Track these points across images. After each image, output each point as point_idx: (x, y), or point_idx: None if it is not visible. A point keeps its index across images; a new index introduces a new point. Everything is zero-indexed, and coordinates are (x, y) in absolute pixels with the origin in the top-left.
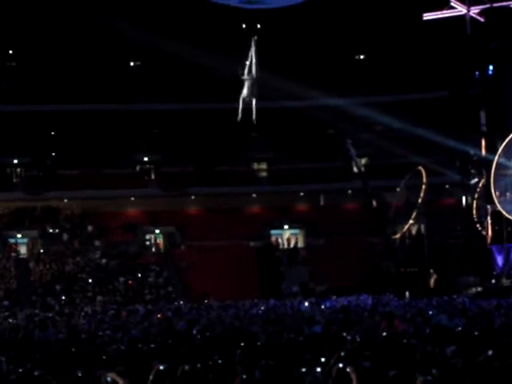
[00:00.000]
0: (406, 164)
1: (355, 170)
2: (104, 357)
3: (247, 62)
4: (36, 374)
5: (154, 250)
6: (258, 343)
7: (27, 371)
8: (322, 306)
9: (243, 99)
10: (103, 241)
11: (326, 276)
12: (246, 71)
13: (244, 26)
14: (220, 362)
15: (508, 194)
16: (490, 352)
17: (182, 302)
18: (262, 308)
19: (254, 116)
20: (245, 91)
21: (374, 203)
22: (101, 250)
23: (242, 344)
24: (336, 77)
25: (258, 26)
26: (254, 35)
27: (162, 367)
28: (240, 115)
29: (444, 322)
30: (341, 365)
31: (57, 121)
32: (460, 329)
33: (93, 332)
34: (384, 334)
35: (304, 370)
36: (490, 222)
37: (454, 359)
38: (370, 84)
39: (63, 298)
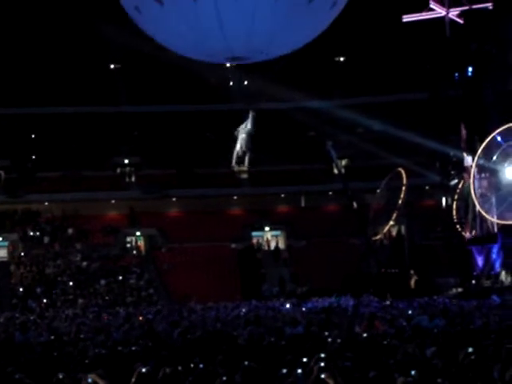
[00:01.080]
0: (387, 165)
1: (336, 171)
2: (85, 359)
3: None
4: (17, 377)
5: (135, 252)
6: (240, 345)
7: (8, 374)
8: (303, 308)
9: (237, 153)
10: (84, 243)
11: (307, 277)
12: (241, 126)
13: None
14: (201, 364)
15: (488, 194)
16: (470, 349)
17: (161, 306)
18: (244, 310)
19: (246, 164)
20: (238, 145)
21: (355, 205)
22: (81, 253)
23: (224, 346)
24: (316, 79)
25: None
26: (253, 111)
27: (143, 370)
28: (235, 164)
29: (424, 322)
30: (322, 364)
31: (37, 123)
32: (440, 329)
33: (74, 335)
34: (365, 334)
35: (285, 371)
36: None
37: (435, 360)
38: (350, 86)
39: (44, 300)
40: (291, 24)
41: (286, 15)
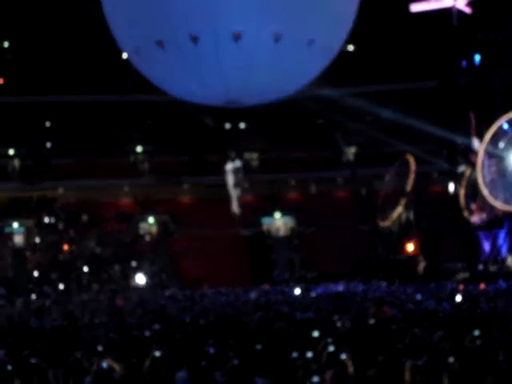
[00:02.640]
0: (395, 153)
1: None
2: (100, 343)
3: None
4: (32, 361)
5: (147, 238)
6: (250, 329)
7: (23, 358)
8: (313, 293)
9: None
10: (98, 230)
11: (317, 263)
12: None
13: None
14: (212, 348)
15: (495, 180)
16: (477, 332)
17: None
18: (254, 295)
19: (235, 208)
20: (230, 181)
21: (363, 192)
22: (96, 239)
23: (235, 331)
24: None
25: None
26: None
27: (157, 353)
28: (236, 208)
29: (432, 306)
30: (331, 348)
31: (52, 111)
32: (447, 313)
33: (88, 319)
34: (373, 319)
35: (296, 354)
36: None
37: (442, 343)
38: (359, 74)
39: (59, 285)
40: (289, 68)
41: (284, 59)
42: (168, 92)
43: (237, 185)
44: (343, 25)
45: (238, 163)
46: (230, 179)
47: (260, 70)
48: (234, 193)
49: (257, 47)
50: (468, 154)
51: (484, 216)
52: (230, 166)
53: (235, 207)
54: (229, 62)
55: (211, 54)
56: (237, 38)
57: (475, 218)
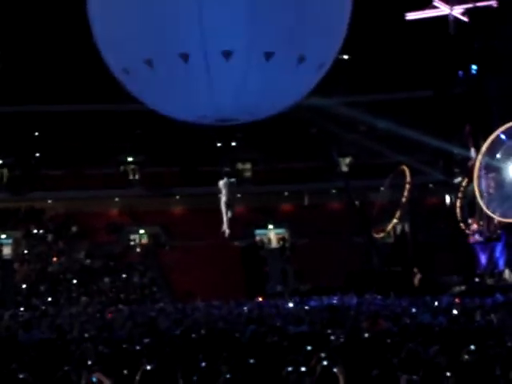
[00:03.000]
0: (390, 163)
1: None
2: (89, 357)
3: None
4: (21, 376)
5: (138, 250)
6: (243, 343)
7: (11, 373)
8: (306, 306)
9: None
10: (87, 241)
11: (311, 275)
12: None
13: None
14: (203, 362)
15: (492, 192)
16: (473, 347)
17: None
18: (246, 308)
19: (226, 229)
20: (223, 198)
21: (357, 203)
22: (85, 251)
23: (227, 344)
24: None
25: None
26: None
27: (148, 367)
28: (226, 229)
29: (428, 320)
30: (325, 363)
31: (40, 121)
32: (443, 327)
33: (78, 332)
34: (367, 333)
35: (289, 369)
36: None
37: (438, 358)
38: (353, 83)
39: (48, 298)
40: (279, 85)
41: (276, 76)
42: (160, 112)
43: (228, 204)
44: (334, 40)
45: (230, 180)
46: (223, 196)
47: (251, 89)
48: (225, 211)
49: (248, 65)
50: (464, 165)
51: (481, 229)
52: (222, 183)
53: (225, 227)
54: (220, 80)
55: (201, 69)
56: (227, 56)
57: (474, 238)
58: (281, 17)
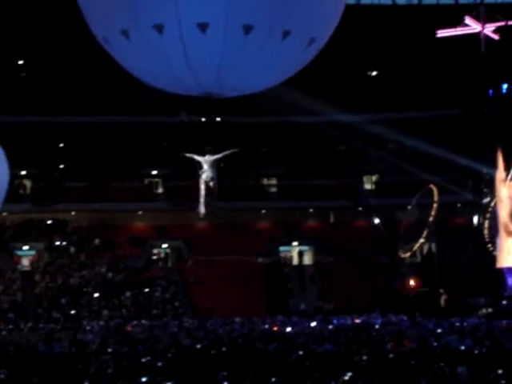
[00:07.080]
0: (418, 182)
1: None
2: (110, 371)
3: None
4: None
5: (161, 264)
6: (266, 361)
7: None
8: (330, 326)
9: (204, 181)
10: (110, 254)
11: (335, 294)
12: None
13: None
14: (225, 382)
15: None
16: (500, 371)
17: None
18: (268, 325)
19: (201, 209)
20: (204, 174)
21: (378, 222)
22: (107, 264)
23: (250, 362)
24: (348, 93)
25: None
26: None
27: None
28: (201, 209)
29: (454, 342)
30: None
31: (65, 132)
32: (470, 349)
33: (98, 347)
34: (392, 353)
35: None
36: None
37: (465, 381)
38: (382, 101)
39: (69, 311)
40: (263, 61)
41: (256, 51)
42: (148, 84)
43: (207, 182)
44: (325, 13)
45: (210, 172)
46: (203, 173)
47: (231, 63)
48: (203, 189)
49: (225, 39)
50: (493, 185)
51: None
52: (203, 159)
53: (201, 207)
54: (196, 53)
55: (177, 42)
56: (203, 28)
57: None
58: None
